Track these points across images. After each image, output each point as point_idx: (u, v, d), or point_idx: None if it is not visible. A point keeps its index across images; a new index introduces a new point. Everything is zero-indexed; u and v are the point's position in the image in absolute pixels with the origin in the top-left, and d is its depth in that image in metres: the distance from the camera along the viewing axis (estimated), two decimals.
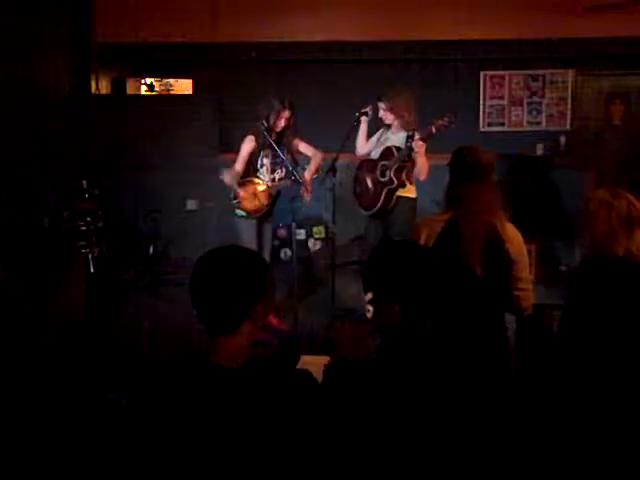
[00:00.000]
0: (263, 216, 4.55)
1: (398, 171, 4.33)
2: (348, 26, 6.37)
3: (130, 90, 7.13)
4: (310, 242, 6.61)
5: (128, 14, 6.13)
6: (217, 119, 6.45)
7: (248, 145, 4.41)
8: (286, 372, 1.59)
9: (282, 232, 6.33)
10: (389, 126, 4.49)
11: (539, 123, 7.08)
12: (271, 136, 4.34)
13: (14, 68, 5.02)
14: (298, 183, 4.41)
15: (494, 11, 6.27)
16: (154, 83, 7.23)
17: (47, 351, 3.72)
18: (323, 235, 6.53)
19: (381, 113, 4.44)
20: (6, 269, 3.92)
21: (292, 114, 4.40)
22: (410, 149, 4.20)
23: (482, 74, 7.02)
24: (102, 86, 6.64)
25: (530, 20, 6.18)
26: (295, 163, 4.53)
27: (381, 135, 4.57)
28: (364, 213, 4.57)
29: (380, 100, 4.42)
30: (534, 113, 7.07)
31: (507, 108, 7.08)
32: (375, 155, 4.51)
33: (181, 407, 1.50)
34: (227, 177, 4.29)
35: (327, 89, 6.81)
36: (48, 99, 5.56)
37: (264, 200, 4.43)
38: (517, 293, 2.61)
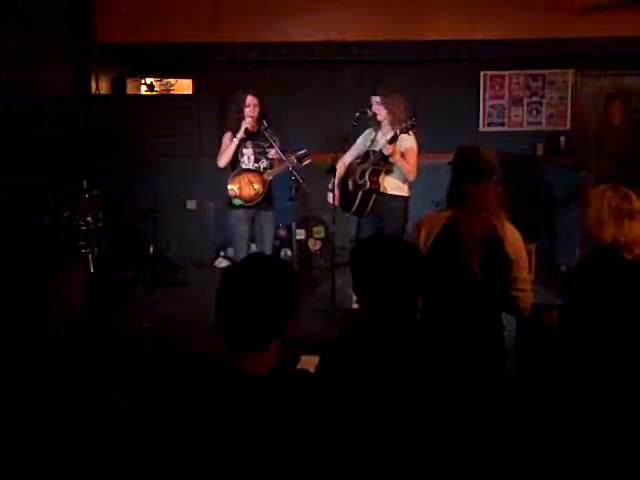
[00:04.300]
0: (263, 205, 4.59)
1: (373, 174, 4.34)
2: (348, 26, 6.36)
3: (130, 90, 7.12)
4: (310, 242, 6.60)
5: (128, 14, 6.13)
6: (217, 119, 6.45)
7: (227, 139, 4.56)
8: (307, 379, 1.56)
9: (282, 232, 6.32)
10: (379, 126, 4.50)
11: (539, 123, 7.08)
12: (242, 127, 4.44)
13: (14, 68, 5.02)
14: (299, 182, 4.45)
15: (494, 11, 6.26)
16: (154, 83, 7.22)
17: (47, 351, 3.72)
18: (323, 235, 6.52)
19: (374, 107, 4.45)
20: (5, 269, 3.92)
21: (260, 102, 4.48)
22: (381, 152, 4.24)
23: (482, 74, 7.02)
24: (102, 86, 6.63)
25: (530, 20, 6.16)
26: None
27: (369, 135, 4.58)
28: (346, 214, 4.62)
29: (374, 94, 4.44)
30: (534, 113, 7.06)
31: (507, 108, 7.08)
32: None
33: (202, 414, 1.42)
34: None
35: (327, 89, 6.81)
36: (48, 99, 5.55)
37: (259, 187, 4.49)
38: (515, 293, 2.60)
